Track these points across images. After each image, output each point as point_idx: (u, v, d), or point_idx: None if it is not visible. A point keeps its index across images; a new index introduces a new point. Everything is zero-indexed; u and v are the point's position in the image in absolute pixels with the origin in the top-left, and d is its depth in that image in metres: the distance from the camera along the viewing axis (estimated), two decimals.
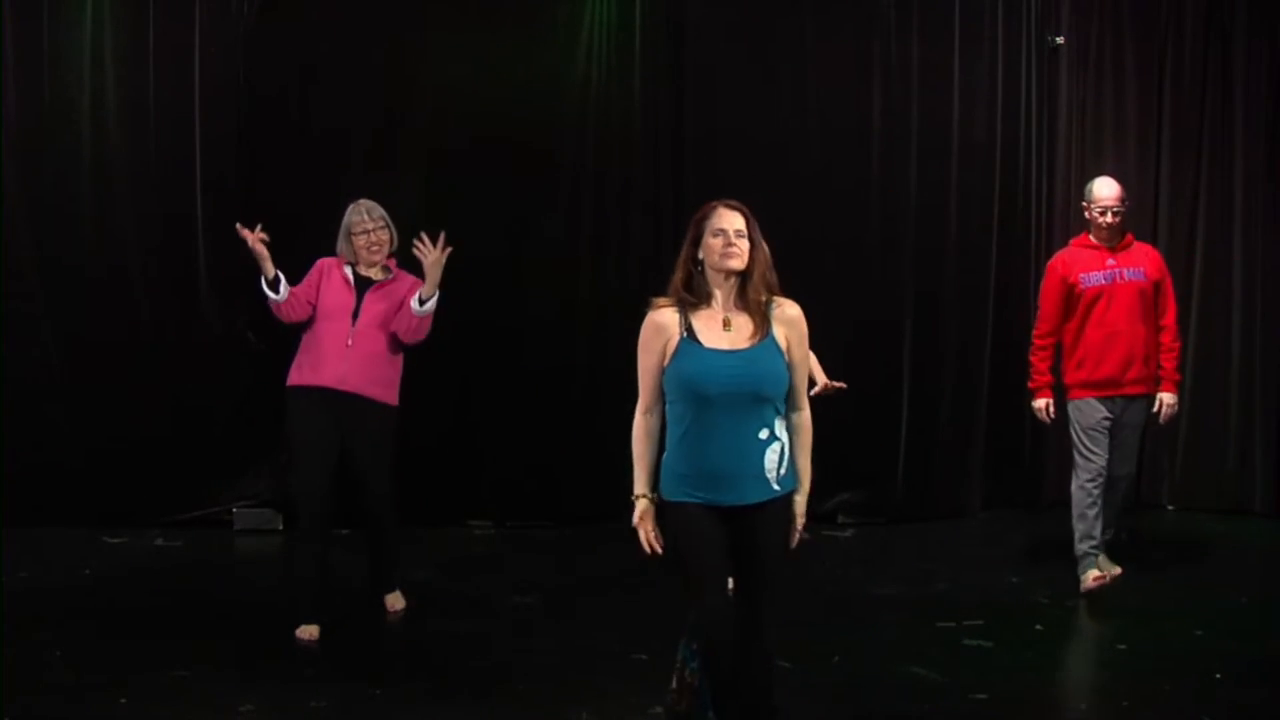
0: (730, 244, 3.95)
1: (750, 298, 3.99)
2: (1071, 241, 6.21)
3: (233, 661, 5.19)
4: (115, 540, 6.87)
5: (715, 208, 4.02)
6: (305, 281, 5.61)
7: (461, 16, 7.24)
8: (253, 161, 7.11)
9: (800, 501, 4.09)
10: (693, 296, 3.99)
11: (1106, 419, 6.03)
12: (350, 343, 5.50)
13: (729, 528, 3.96)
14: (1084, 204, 6.11)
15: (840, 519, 7.50)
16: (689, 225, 4.05)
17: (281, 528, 7.16)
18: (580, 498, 7.32)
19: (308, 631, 5.46)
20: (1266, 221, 7.74)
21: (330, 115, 7.16)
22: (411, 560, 6.44)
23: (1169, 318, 6.11)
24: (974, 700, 4.91)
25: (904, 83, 7.50)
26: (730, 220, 3.98)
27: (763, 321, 3.98)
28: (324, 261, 5.66)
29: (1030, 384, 6.22)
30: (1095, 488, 6.01)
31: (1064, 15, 7.74)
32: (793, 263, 7.36)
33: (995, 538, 7.28)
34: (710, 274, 3.99)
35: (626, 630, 5.51)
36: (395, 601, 5.85)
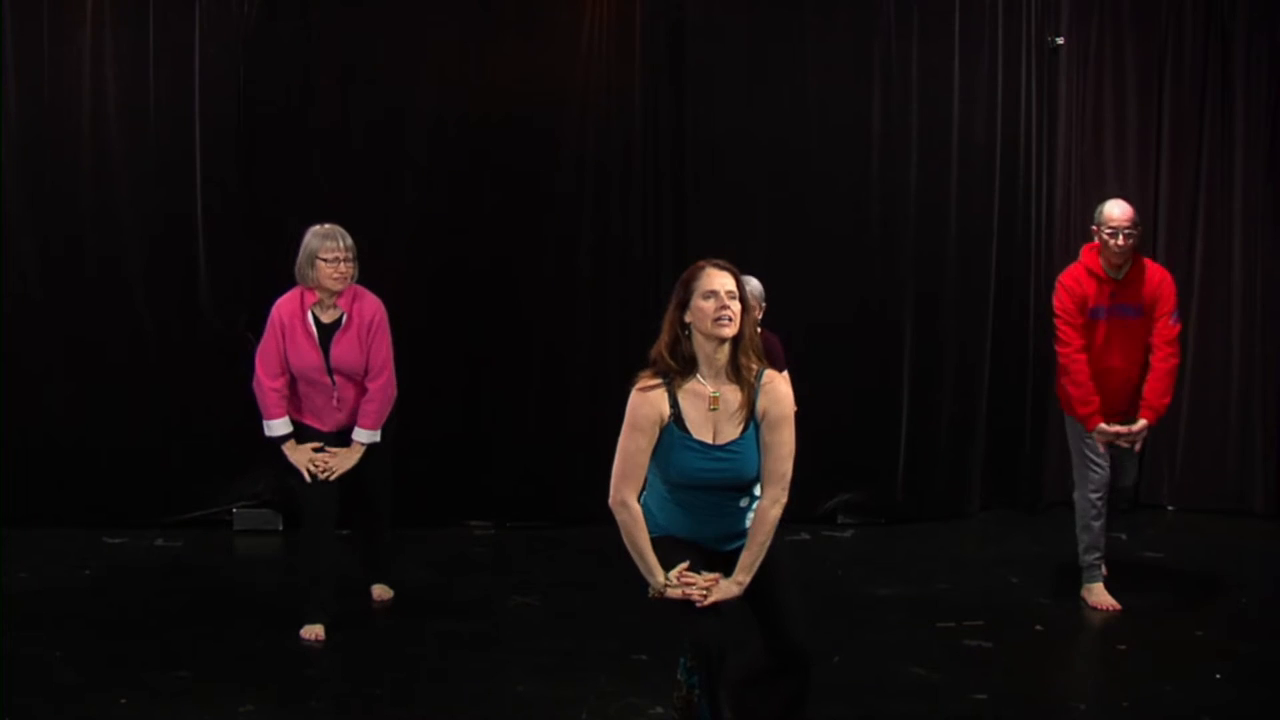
0: (724, 307, 3.86)
1: (741, 364, 3.92)
2: (1082, 259, 5.96)
3: (233, 661, 5.19)
4: (115, 540, 6.86)
5: (703, 268, 3.92)
6: (271, 344, 5.49)
7: (461, 16, 7.24)
8: (253, 161, 7.11)
9: (730, 582, 3.94)
10: (679, 364, 3.92)
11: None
12: (336, 401, 5.53)
13: (717, 558, 4.03)
14: (1094, 226, 5.90)
15: (840, 519, 7.50)
16: (675, 286, 3.95)
17: (281, 528, 7.16)
18: (580, 498, 7.31)
19: (313, 631, 5.47)
20: (1266, 221, 7.74)
21: (330, 115, 7.15)
22: (411, 560, 6.46)
23: (1157, 338, 5.89)
24: (974, 700, 4.91)
25: (904, 83, 7.50)
26: (721, 281, 3.89)
27: (749, 398, 3.92)
28: (278, 314, 5.52)
29: (1082, 410, 5.88)
30: (1100, 499, 5.94)
31: (1064, 15, 7.73)
32: (793, 263, 7.45)
33: (995, 538, 7.28)
34: (699, 339, 3.92)
35: (626, 630, 5.51)
36: (383, 592, 5.94)
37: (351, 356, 5.50)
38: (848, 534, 7.37)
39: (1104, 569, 6.07)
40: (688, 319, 3.93)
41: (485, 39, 7.24)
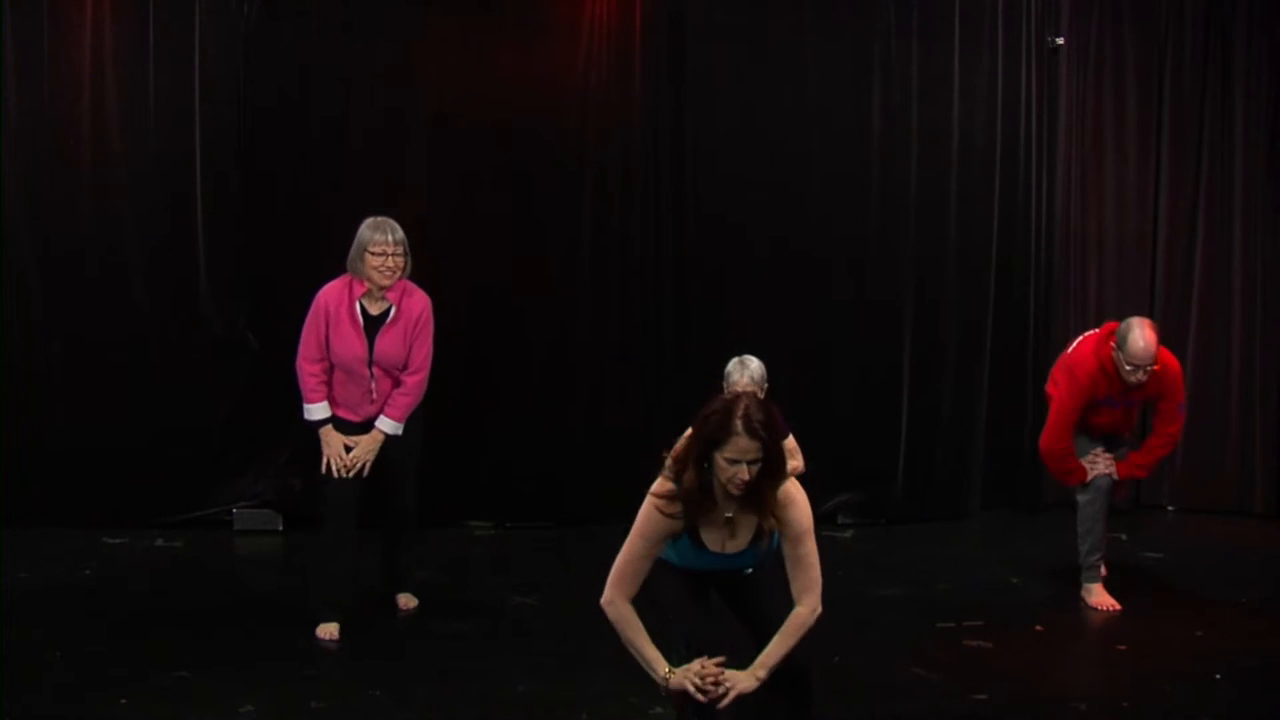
0: (744, 479, 3.74)
1: (757, 501, 3.84)
2: (1098, 352, 5.84)
3: (233, 661, 5.19)
4: (115, 540, 6.86)
5: (733, 432, 3.71)
6: (312, 330, 5.43)
7: (461, 17, 7.24)
8: (253, 161, 7.10)
9: (748, 674, 3.86)
10: (701, 496, 3.83)
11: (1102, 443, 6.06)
12: (374, 394, 5.49)
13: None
14: (1113, 348, 5.78)
15: (840, 519, 7.50)
16: (701, 427, 3.77)
17: (281, 528, 7.15)
18: (580, 498, 7.32)
19: (327, 630, 5.45)
20: (1266, 221, 7.75)
21: (330, 115, 7.15)
22: (412, 560, 6.44)
23: (1161, 425, 6.01)
24: (974, 700, 4.91)
25: (904, 83, 7.50)
26: (747, 450, 3.72)
27: (762, 527, 3.90)
28: (324, 300, 5.46)
29: (1073, 480, 6.02)
30: (1104, 500, 5.99)
31: (1064, 15, 7.73)
32: (792, 264, 7.45)
33: (995, 538, 7.29)
34: (717, 478, 3.83)
35: None
36: (408, 601, 5.88)
37: (395, 350, 5.46)
38: (848, 534, 7.37)
39: (1103, 569, 6.08)
40: (711, 457, 3.80)
41: (485, 38, 7.23)
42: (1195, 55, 7.74)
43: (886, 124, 7.50)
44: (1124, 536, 6.97)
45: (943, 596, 6.18)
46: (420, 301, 5.54)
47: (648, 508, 3.90)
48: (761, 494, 3.80)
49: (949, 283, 7.60)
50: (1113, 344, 5.78)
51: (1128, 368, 5.72)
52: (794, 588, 3.91)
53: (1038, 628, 5.75)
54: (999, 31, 7.60)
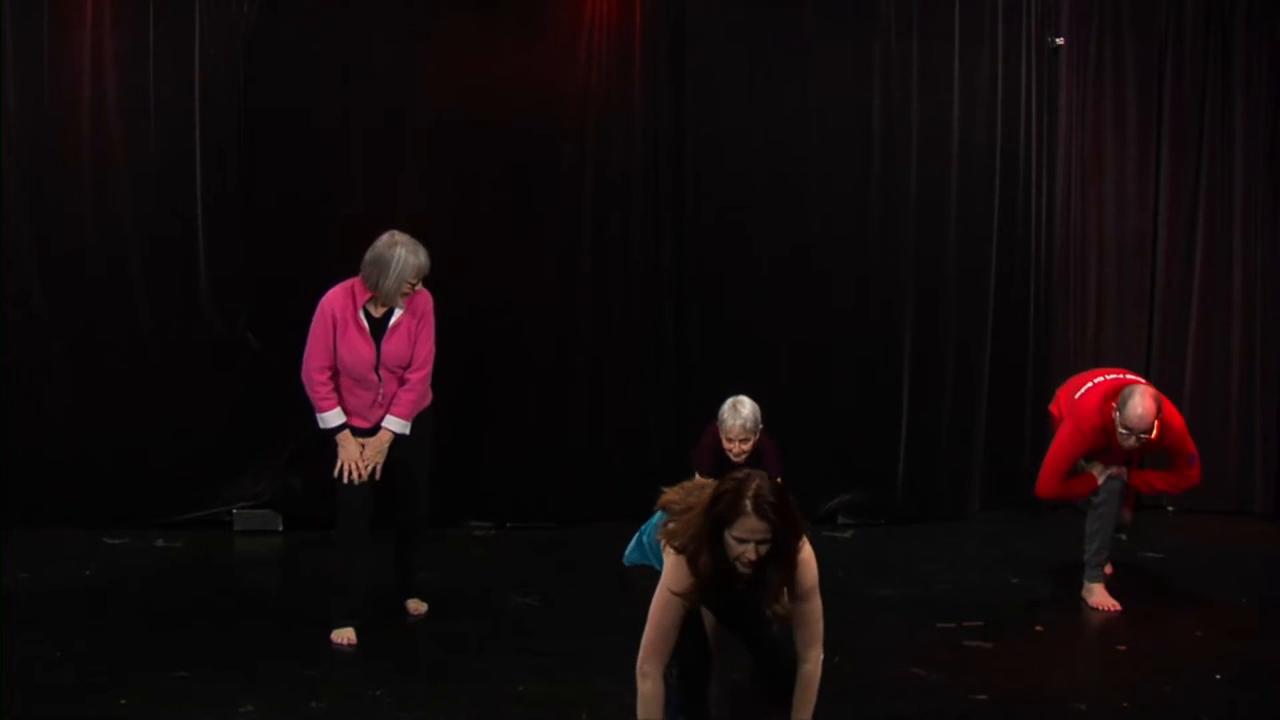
0: (751, 559, 3.77)
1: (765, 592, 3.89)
2: (1100, 410, 5.88)
3: (233, 661, 5.19)
4: (115, 541, 6.86)
5: (743, 511, 3.74)
6: (319, 338, 5.40)
7: (461, 16, 7.23)
8: (253, 161, 7.10)
9: None
10: (716, 579, 3.85)
11: None
12: (382, 397, 5.47)
13: None
14: (1114, 411, 5.82)
15: (840, 520, 7.50)
16: (712, 505, 3.78)
17: (281, 528, 7.15)
18: (580, 498, 7.32)
19: (343, 635, 5.43)
20: (1266, 221, 7.75)
21: (330, 115, 7.14)
22: (422, 563, 6.45)
23: (1182, 477, 6.05)
24: (974, 700, 4.91)
25: (904, 83, 7.50)
26: (755, 530, 3.74)
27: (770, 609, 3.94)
28: (329, 307, 5.43)
29: (1083, 495, 6.08)
30: (1117, 502, 6.01)
31: (1064, 15, 7.73)
32: (792, 263, 7.45)
33: (995, 539, 7.28)
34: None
35: (626, 630, 5.49)
36: (417, 606, 5.85)
37: (402, 350, 5.45)
38: (848, 534, 7.37)
39: (1109, 567, 6.09)
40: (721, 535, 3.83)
41: (485, 38, 7.23)
42: (1195, 55, 7.74)
43: (886, 124, 7.49)
44: (1124, 536, 6.96)
45: (943, 596, 6.19)
46: (424, 297, 5.54)
47: (667, 597, 3.91)
48: (767, 581, 3.82)
49: (949, 282, 7.60)
50: (1114, 405, 5.82)
51: (1122, 431, 5.77)
52: (799, 639, 3.95)
53: (1038, 628, 5.75)
54: (999, 31, 7.60)
